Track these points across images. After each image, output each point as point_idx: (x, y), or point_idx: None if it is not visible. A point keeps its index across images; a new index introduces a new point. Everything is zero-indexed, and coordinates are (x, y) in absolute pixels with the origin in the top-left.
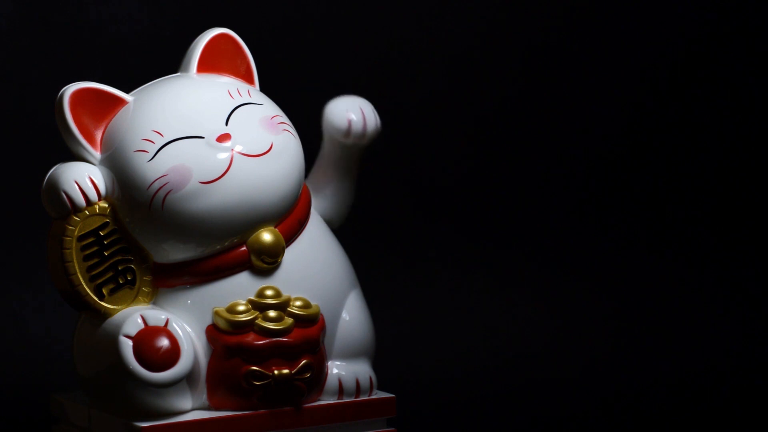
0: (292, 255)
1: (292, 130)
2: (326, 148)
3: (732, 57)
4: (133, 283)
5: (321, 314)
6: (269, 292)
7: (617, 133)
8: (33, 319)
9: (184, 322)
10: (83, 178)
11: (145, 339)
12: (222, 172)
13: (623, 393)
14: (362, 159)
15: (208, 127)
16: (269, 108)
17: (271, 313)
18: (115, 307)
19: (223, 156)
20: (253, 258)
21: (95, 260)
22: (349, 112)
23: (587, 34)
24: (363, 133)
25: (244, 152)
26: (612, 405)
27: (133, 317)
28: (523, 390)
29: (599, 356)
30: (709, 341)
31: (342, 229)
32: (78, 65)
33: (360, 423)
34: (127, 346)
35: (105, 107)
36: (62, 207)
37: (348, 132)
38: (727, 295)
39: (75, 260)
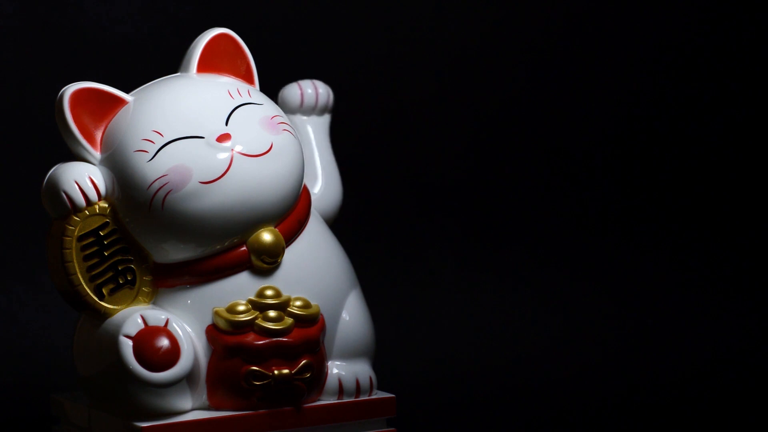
0: (292, 255)
1: (292, 130)
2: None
3: (733, 58)
4: (133, 283)
5: (321, 314)
6: (269, 292)
7: (618, 133)
8: (33, 319)
9: (184, 322)
10: (83, 178)
11: (145, 339)
12: (222, 172)
13: (623, 393)
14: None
15: (208, 127)
16: (269, 108)
17: (271, 313)
18: (115, 307)
19: (223, 156)
20: (253, 258)
21: (95, 260)
22: (301, 86)
23: (588, 34)
24: (315, 103)
25: (244, 152)
26: (612, 405)
27: (133, 317)
28: (523, 390)
29: (599, 356)
30: (709, 341)
31: (342, 229)
32: (78, 65)
33: (360, 423)
34: (127, 346)
35: (105, 107)
36: (62, 207)
37: (301, 101)
38: (728, 295)
39: (75, 260)
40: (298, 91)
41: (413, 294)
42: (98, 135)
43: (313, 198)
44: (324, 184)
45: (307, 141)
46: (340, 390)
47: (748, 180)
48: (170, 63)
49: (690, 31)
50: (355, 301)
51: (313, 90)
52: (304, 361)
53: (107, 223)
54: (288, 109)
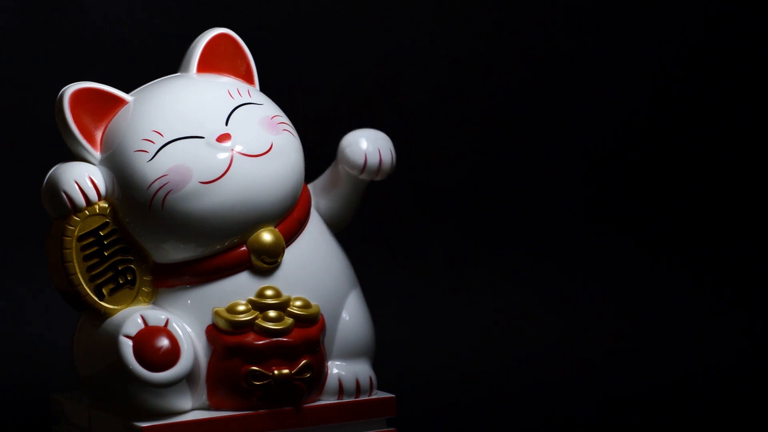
0: (292, 255)
1: (292, 130)
2: (339, 170)
3: (734, 60)
4: (133, 283)
5: (321, 314)
6: (269, 292)
7: (619, 133)
8: (33, 319)
9: (184, 322)
10: (83, 178)
11: (145, 339)
12: (222, 172)
13: (624, 393)
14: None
15: (208, 127)
16: (269, 108)
17: (271, 313)
18: (115, 307)
19: (223, 156)
20: (253, 258)
21: (95, 260)
22: (366, 151)
23: (589, 35)
24: (377, 171)
25: (244, 152)
26: (612, 405)
27: (133, 317)
28: (523, 390)
29: (599, 357)
30: (709, 341)
31: (342, 229)
32: (78, 65)
33: (360, 423)
34: (127, 346)
35: (105, 107)
36: (62, 207)
37: (362, 169)
38: (728, 295)
39: (75, 260)
40: (361, 157)
41: (413, 294)
42: (98, 135)
43: (324, 208)
44: (339, 207)
45: (346, 185)
46: (340, 390)
47: (748, 180)
48: (170, 63)
49: (690, 31)
50: (355, 301)
51: (375, 156)
52: (304, 361)
53: (107, 223)
54: (344, 167)
